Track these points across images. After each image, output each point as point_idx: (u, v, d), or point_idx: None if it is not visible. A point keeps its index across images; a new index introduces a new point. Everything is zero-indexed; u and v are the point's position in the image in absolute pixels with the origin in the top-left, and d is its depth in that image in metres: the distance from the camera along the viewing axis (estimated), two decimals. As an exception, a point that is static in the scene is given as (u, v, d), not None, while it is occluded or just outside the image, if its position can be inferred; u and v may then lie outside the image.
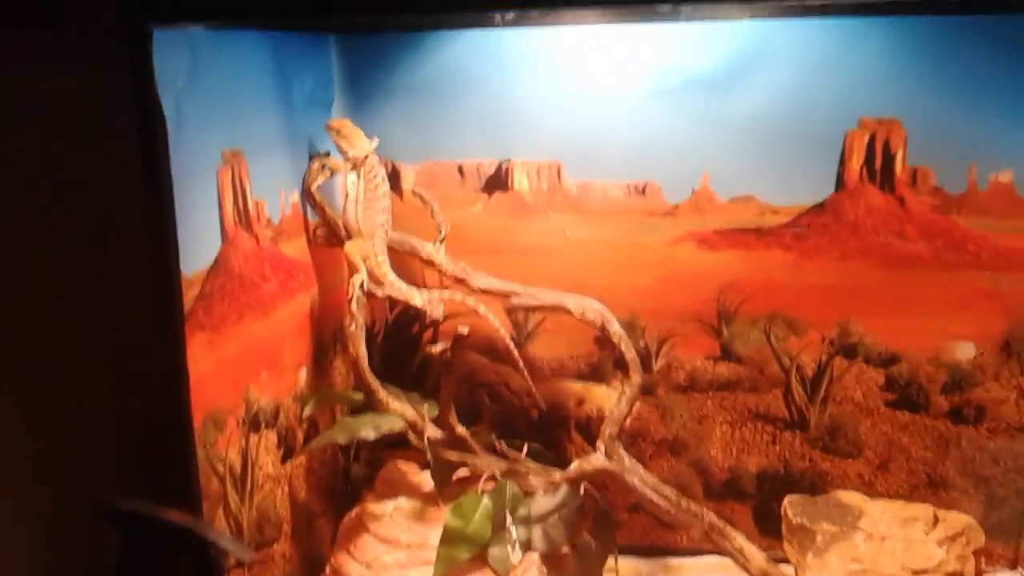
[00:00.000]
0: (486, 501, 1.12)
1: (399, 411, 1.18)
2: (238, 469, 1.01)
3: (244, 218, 1.02)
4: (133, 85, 0.83)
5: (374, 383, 1.17)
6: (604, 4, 0.93)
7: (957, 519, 1.15)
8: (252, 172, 1.03)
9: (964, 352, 1.22)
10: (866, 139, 1.19)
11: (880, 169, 1.19)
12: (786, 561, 1.22)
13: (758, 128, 1.20)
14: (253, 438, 1.05)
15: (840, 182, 1.20)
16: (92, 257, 0.88)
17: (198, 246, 0.92)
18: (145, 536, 0.77)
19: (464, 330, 1.10)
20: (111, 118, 0.85)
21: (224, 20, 0.83)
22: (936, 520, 1.15)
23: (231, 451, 0.99)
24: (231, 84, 0.98)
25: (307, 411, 1.17)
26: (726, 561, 1.21)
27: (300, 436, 1.18)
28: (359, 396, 1.19)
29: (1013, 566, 1.26)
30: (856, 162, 1.19)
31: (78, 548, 0.89)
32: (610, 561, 1.23)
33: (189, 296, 0.90)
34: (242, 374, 1.02)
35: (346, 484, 1.34)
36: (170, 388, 0.88)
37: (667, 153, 1.23)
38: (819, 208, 1.21)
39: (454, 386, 1.16)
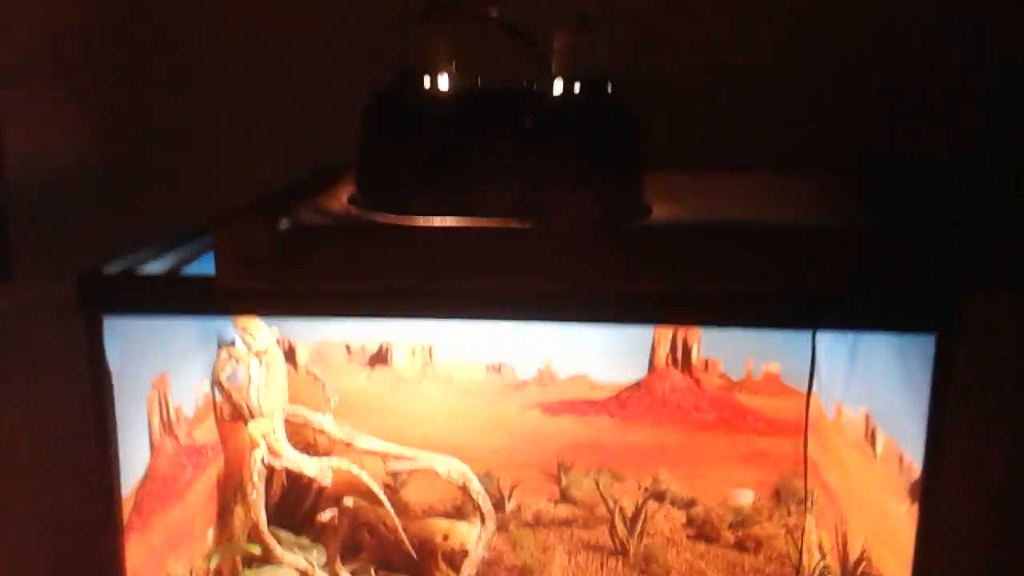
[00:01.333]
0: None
1: (293, 564, 1.41)
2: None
3: (167, 426, 1.23)
4: (87, 352, 1.03)
5: (271, 542, 1.40)
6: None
7: (736, 634, 1.49)
8: (173, 383, 1.25)
9: (745, 498, 1.55)
10: (670, 336, 1.50)
11: (681, 358, 1.51)
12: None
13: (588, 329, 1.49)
14: (174, 602, 1.26)
15: (651, 367, 1.52)
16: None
17: (133, 465, 1.13)
18: None
19: (349, 502, 1.35)
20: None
21: (168, 312, 1.04)
22: (721, 636, 1.48)
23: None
24: (162, 325, 1.20)
25: (213, 564, 1.39)
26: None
27: (212, 594, 1.39)
28: (256, 549, 1.42)
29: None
30: (662, 353, 1.51)
31: None
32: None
33: (127, 509, 1.11)
34: (164, 553, 1.24)
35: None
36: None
37: (518, 342, 1.51)
38: (636, 385, 1.53)
39: (339, 543, 1.41)
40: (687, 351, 1.51)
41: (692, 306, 0.97)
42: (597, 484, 1.57)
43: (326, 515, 1.37)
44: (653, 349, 1.51)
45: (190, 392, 1.32)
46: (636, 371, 1.52)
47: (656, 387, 1.52)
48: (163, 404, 1.22)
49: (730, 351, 1.50)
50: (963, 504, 1.06)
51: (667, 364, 1.52)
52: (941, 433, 0.97)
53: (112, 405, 1.05)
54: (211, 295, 0.97)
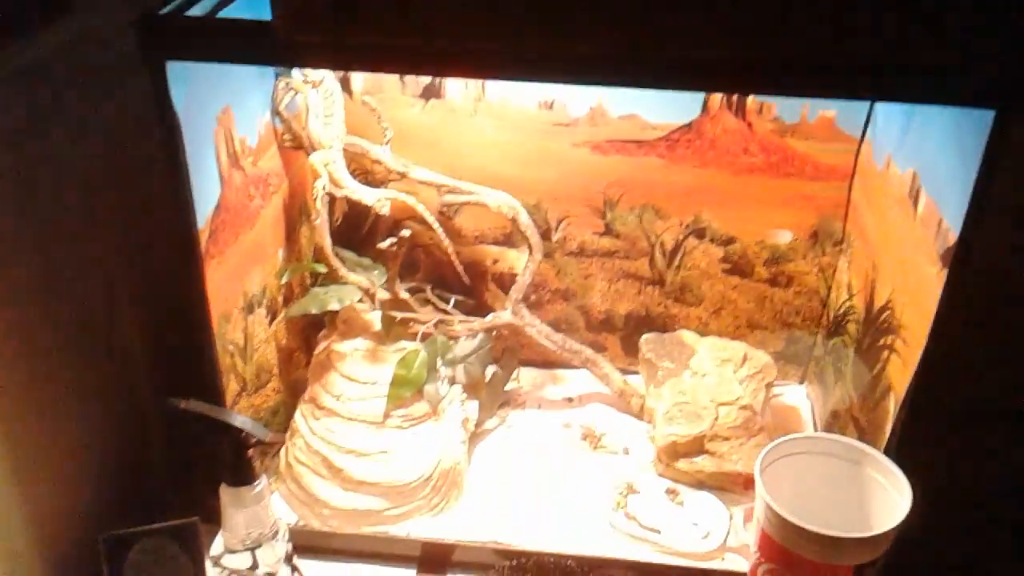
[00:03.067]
0: (423, 353, 1.52)
1: (355, 282, 1.54)
2: (241, 344, 1.38)
3: (234, 159, 1.29)
4: (155, 98, 1.07)
5: (336, 262, 1.51)
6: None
7: (758, 358, 1.62)
8: (236, 116, 1.29)
9: (783, 237, 1.61)
10: (729, 75, 1.48)
11: (736, 100, 1.50)
12: (636, 373, 1.69)
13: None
14: (250, 318, 1.40)
15: (704, 108, 1.51)
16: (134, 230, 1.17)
17: (206, 198, 1.21)
18: (195, 427, 1.13)
19: (406, 233, 1.44)
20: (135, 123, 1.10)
21: (225, 61, 1.06)
22: (744, 359, 1.62)
23: (235, 333, 1.35)
24: (227, 68, 1.21)
25: (283, 279, 1.52)
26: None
27: (280, 301, 1.53)
28: (323, 268, 1.54)
29: (800, 381, 1.76)
30: (718, 93, 1.50)
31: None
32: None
33: (203, 239, 1.21)
34: (241, 276, 1.35)
35: (314, 321, 1.73)
36: (195, 311, 1.21)
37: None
38: (687, 127, 1.53)
39: (397, 263, 1.52)
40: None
41: (748, 72, 0.95)
42: (640, 219, 1.63)
43: (385, 243, 1.47)
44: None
45: (252, 124, 1.36)
46: (688, 112, 1.51)
47: (707, 129, 1.53)
48: (228, 138, 1.27)
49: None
50: (990, 277, 1.10)
51: (721, 106, 1.51)
52: (983, 207, 0.99)
53: (182, 145, 1.10)
54: (269, 44, 0.97)
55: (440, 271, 1.71)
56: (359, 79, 1.54)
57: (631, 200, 1.61)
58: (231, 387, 1.35)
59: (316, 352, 1.60)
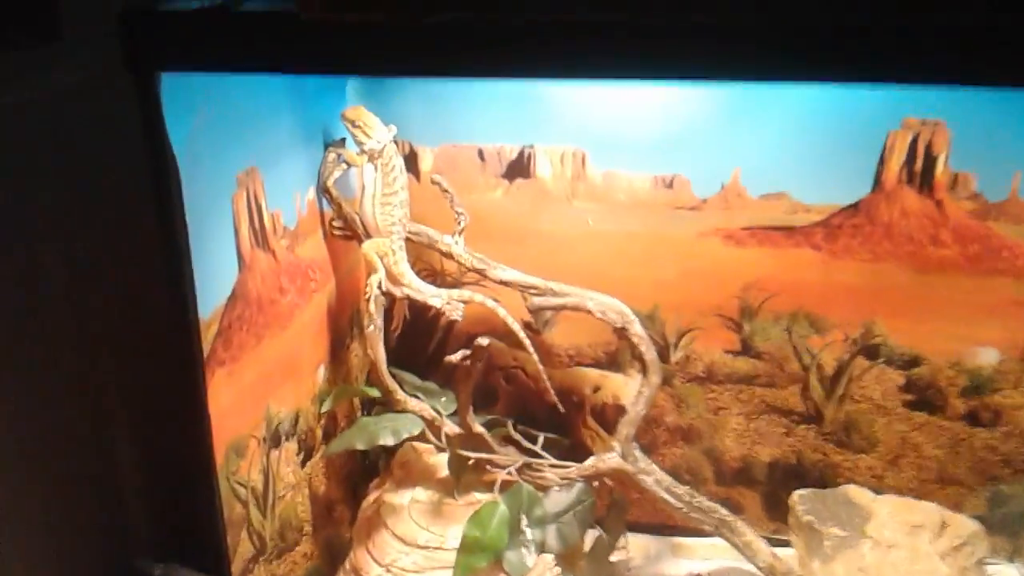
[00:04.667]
0: (503, 508, 1.13)
1: (417, 411, 1.18)
2: (260, 488, 1.02)
3: (261, 237, 0.98)
4: (143, 128, 0.77)
5: (392, 385, 1.16)
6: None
7: (963, 526, 1.18)
8: (267, 183, 0.98)
9: (987, 358, 1.20)
10: (908, 140, 1.13)
11: (920, 172, 1.14)
12: (788, 544, 1.25)
13: (796, 124, 1.14)
14: (274, 453, 1.05)
15: (877, 183, 1.15)
16: (110, 303, 0.84)
17: (215, 283, 0.89)
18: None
19: (484, 342, 1.08)
20: (119, 160, 0.79)
21: (235, 68, 0.75)
22: (943, 526, 1.18)
23: (252, 472, 1.00)
24: (244, 100, 0.92)
25: (325, 407, 1.17)
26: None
27: (319, 434, 1.18)
28: (375, 392, 1.19)
29: (1011, 559, 1.29)
30: (896, 163, 1.14)
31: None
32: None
33: (208, 336, 0.87)
34: (262, 394, 1.01)
35: (364, 461, 1.36)
36: (191, 434, 0.87)
37: (697, 146, 1.17)
38: (853, 208, 1.17)
39: (470, 389, 1.15)
40: (930, 161, 1.13)
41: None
42: (789, 333, 1.25)
43: (457, 356, 1.11)
44: (883, 158, 1.14)
45: (289, 198, 1.06)
46: (855, 188, 1.16)
47: (881, 210, 1.16)
48: (254, 207, 0.96)
49: (989, 161, 1.12)
50: None
51: (900, 179, 1.15)
52: None
53: (178, 192, 0.79)
54: (293, 35, 0.66)
55: (525, 401, 1.34)
56: (428, 156, 1.24)
57: (777, 307, 1.23)
58: (242, 548, 0.97)
59: (363, 505, 1.22)
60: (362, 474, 1.32)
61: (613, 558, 1.29)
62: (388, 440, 1.13)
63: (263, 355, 0.99)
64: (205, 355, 0.86)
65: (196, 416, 0.86)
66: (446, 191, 1.19)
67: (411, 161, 1.23)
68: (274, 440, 1.04)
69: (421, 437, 1.21)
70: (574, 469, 1.22)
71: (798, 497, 1.24)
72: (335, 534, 1.24)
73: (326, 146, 1.14)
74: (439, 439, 1.20)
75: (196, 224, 0.82)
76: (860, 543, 1.16)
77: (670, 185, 1.20)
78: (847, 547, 1.15)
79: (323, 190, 1.13)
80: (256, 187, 0.96)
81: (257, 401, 1.00)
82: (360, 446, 1.13)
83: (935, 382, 1.23)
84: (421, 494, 1.21)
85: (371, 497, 1.24)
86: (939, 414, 1.24)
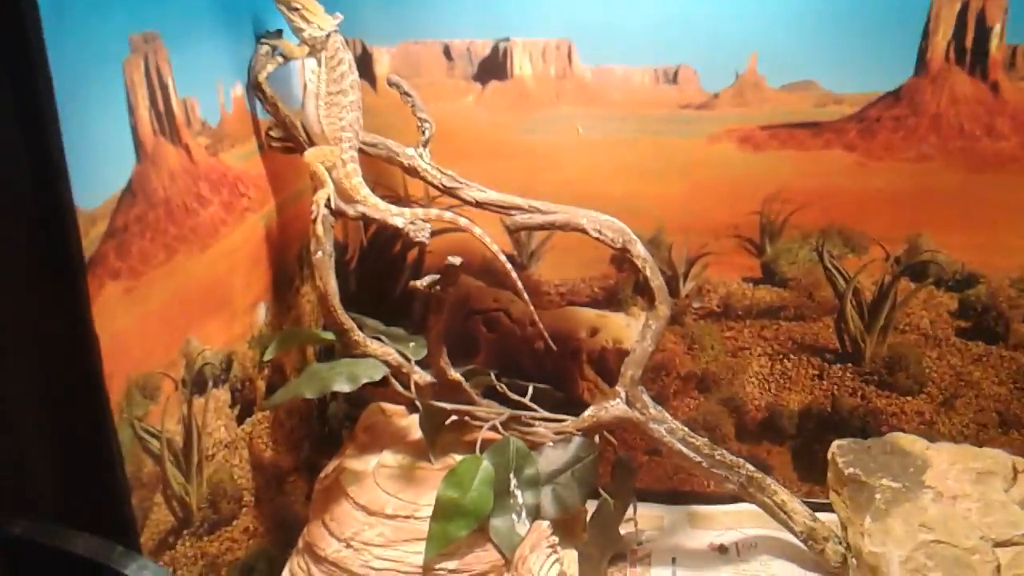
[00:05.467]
0: (486, 464, 0.93)
1: (379, 354, 0.98)
2: (179, 442, 0.82)
3: (168, 124, 0.78)
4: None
5: (347, 321, 0.96)
6: None
7: (1040, 470, 0.99)
8: (175, 61, 0.79)
9: (1056, 272, 1.02)
10: (956, 9, 0.94)
11: (971, 48, 0.95)
12: (827, 508, 1.06)
13: (821, -4, 0.95)
14: (198, 401, 0.85)
15: (921, 64, 0.97)
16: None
17: (101, 168, 0.69)
18: (42, 568, 0.57)
19: (456, 260, 0.88)
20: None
21: None
22: (1016, 473, 0.98)
23: (168, 422, 0.80)
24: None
25: (268, 355, 0.97)
26: (759, 510, 1.05)
27: (261, 387, 0.98)
28: (328, 336, 0.99)
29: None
30: (942, 38, 0.96)
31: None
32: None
33: (92, 235, 0.68)
34: (178, 324, 0.81)
35: (322, 428, 1.16)
36: (74, 358, 0.66)
37: (705, 29, 0.98)
38: (893, 96, 0.99)
39: (444, 323, 0.95)
40: (983, 34, 0.95)
41: None
42: (820, 254, 1.06)
43: (424, 281, 0.91)
44: (927, 33, 0.95)
45: (209, 87, 0.87)
46: (895, 72, 0.98)
47: (926, 98, 0.98)
48: (156, 84, 0.76)
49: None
50: None
51: (947, 58, 0.96)
52: None
53: (36, 33, 0.59)
54: None
55: (510, 350, 1.15)
56: (384, 57, 1.05)
57: (804, 222, 1.05)
58: (157, 515, 0.77)
59: (321, 475, 1.02)
60: (320, 441, 1.13)
61: (621, 529, 1.09)
62: (343, 386, 0.93)
63: (176, 275, 0.80)
64: (88, 255, 0.66)
65: (77, 333, 0.66)
66: (406, 95, 1.00)
67: (364, 65, 1.04)
68: (197, 385, 0.84)
69: (383, 396, 1.01)
70: (571, 422, 1.03)
71: (837, 448, 1.05)
72: (286, 508, 1.03)
73: (257, 39, 0.95)
74: (408, 391, 0.99)
75: (66, 81, 0.63)
76: (920, 494, 0.96)
77: (674, 79, 1.01)
78: (904, 500, 0.96)
79: (254, 87, 0.94)
80: (159, 60, 0.76)
81: (171, 332, 0.80)
82: (309, 394, 0.93)
83: (995, 304, 1.04)
84: (389, 458, 1.01)
85: (331, 465, 1.04)
86: (1000, 343, 1.05)
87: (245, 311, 0.94)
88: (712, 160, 1.04)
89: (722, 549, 1.09)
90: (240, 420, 0.93)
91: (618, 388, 1.02)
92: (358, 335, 0.97)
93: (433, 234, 0.94)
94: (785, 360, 1.11)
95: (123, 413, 0.72)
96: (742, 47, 0.99)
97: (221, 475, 0.89)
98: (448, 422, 1.02)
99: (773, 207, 1.05)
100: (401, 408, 1.10)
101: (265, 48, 0.95)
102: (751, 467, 1.03)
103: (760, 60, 0.99)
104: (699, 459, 1.01)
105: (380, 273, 1.14)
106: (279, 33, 0.96)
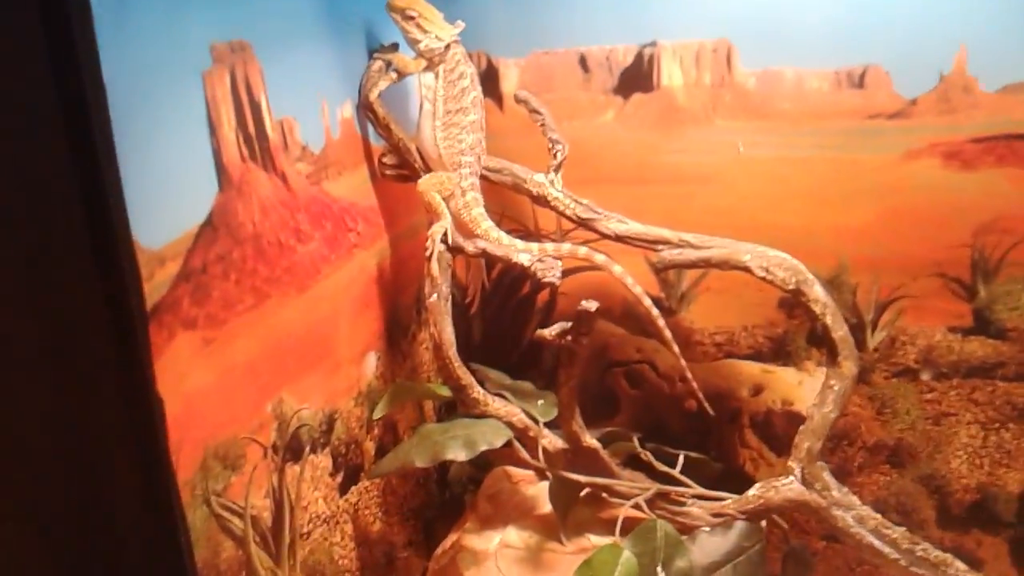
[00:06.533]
0: (627, 554, 0.77)
1: (502, 415, 0.83)
2: (267, 519, 0.69)
3: (259, 148, 0.67)
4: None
5: (464, 376, 0.82)
6: None
7: None
8: (269, 76, 0.68)
9: None
10: None
11: None
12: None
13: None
14: (292, 470, 0.73)
15: None
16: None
17: (173, 199, 0.59)
18: None
19: (591, 306, 0.73)
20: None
21: None
22: None
23: (254, 496, 0.68)
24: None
25: (378, 412, 0.85)
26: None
27: (370, 450, 0.85)
28: (445, 391, 0.85)
29: None
30: None
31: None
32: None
33: (160, 278, 0.57)
34: (269, 380, 0.70)
35: (442, 494, 1.02)
36: (131, 425, 0.55)
37: (900, 21, 0.80)
38: None
39: (577, 379, 0.80)
40: None
41: None
42: (1051, 298, 0.84)
43: (553, 329, 0.77)
44: None
45: (312, 107, 0.76)
46: None
47: None
48: (245, 102, 0.65)
49: None
50: None
51: None
52: None
53: (88, 34, 0.49)
54: None
55: (656, 409, 0.98)
56: (512, 71, 0.92)
57: (1030, 259, 0.83)
58: (236, 612, 0.65)
59: (437, 553, 0.88)
60: (439, 509, 0.99)
61: (793, 634, 0.89)
62: (459, 454, 0.79)
63: (267, 322, 0.68)
64: (152, 301, 0.55)
65: (135, 396, 0.54)
66: (536, 112, 0.86)
67: (489, 79, 0.92)
68: (291, 450, 0.73)
69: (510, 457, 0.86)
70: (731, 502, 0.85)
71: (1078, 546, 0.82)
72: (397, 592, 0.90)
73: (370, 55, 0.84)
74: (535, 457, 0.85)
75: (125, 94, 0.52)
76: None
77: (859, 83, 0.83)
78: None
79: (365, 106, 0.82)
80: (249, 73, 0.66)
81: (260, 390, 0.69)
82: (420, 462, 0.79)
83: None
84: (514, 536, 0.86)
85: (449, 540, 0.90)
86: None
87: (351, 362, 0.82)
88: (909, 182, 0.84)
89: (924, 666, 0.87)
90: (343, 490, 0.81)
91: (791, 464, 0.83)
92: (478, 392, 0.83)
93: (565, 273, 0.80)
94: (1003, 430, 0.89)
95: (196, 489, 0.61)
96: (947, 42, 0.80)
97: (319, 555, 0.77)
98: (583, 494, 0.87)
99: (988, 239, 0.84)
100: (530, 474, 0.95)
101: (378, 64, 0.84)
102: (962, 565, 0.82)
103: (970, 57, 0.79)
104: (896, 556, 0.81)
105: (506, 320, 1.01)
106: (394, 47, 0.85)
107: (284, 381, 0.71)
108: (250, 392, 0.67)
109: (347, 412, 0.81)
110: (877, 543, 0.81)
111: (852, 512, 0.82)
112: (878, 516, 0.82)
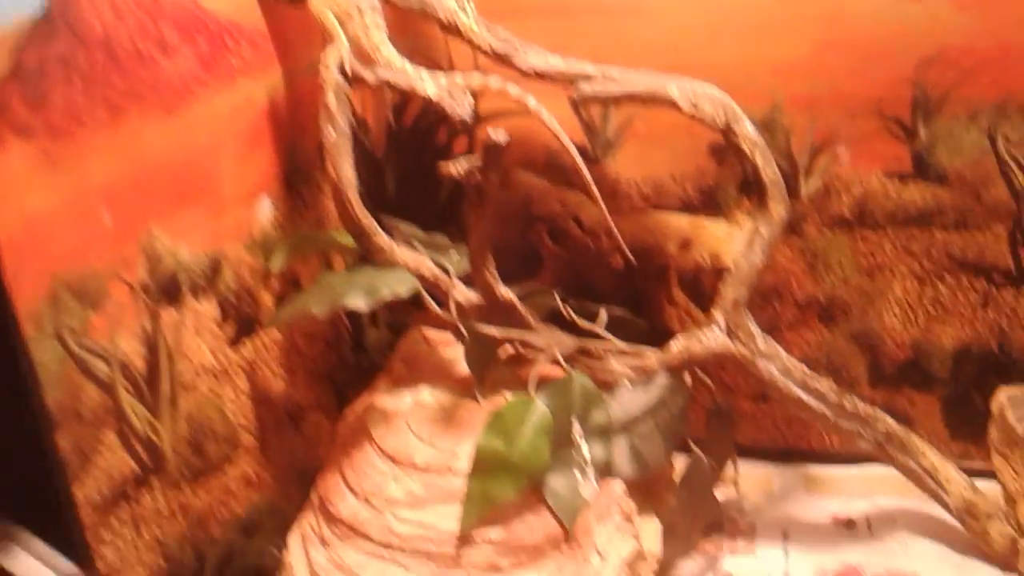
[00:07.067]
0: (540, 406, 0.72)
1: (410, 265, 0.77)
2: (140, 366, 0.63)
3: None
4: None
5: (366, 219, 0.75)
6: None
7: None
8: None
9: None
10: None
11: None
12: (987, 474, 0.81)
13: None
14: (169, 315, 0.66)
15: None
16: None
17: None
18: None
19: (499, 136, 0.66)
20: None
21: None
22: None
23: (124, 339, 0.61)
24: None
25: (275, 264, 0.78)
26: (898, 474, 0.81)
27: (268, 303, 0.79)
28: (347, 239, 0.78)
29: None
30: None
31: None
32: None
33: (-18, 71, 0.49)
34: (134, 213, 0.62)
35: (358, 360, 0.97)
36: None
37: None
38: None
39: (490, 224, 0.74)
40: None
41: None
42: (993, 137, 0.80)
43: (459, 164, 0.70)
44: None
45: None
46: None
47: None
48: None
49: None
50: None
51: None
52: None
53: None
54: None
55: (580, 269, 0.93)
56: None
57: (973, 95, 0.79)
58: (107, 462, 0.59)
59: (347, 414, 0.83)
60: (355, 376, 0.93)
61: (717, 494, 0.86)
62: (359, 303, 0.73)
63: (130, 144, 0.60)
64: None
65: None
66: (447, -71, 0.77)
67: None
68: (166, 292, 0.66)
69: (420, 316, 0.81)
70: (654, 356, 0.80)
71: (1007, 398, 0.80)
72: (302, 453, 0.85)
73: None
74: (447, 310, 0.79)
75: None
76: None
77: None
78: (1111, 469, 0.70)
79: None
80: None
81: (123, 222, 0.61)
82: (317, 310, 0.73)
83: None
84: (427, 395, 0.81)
85: (360, 402, 0.85)
86: None
87: (239, 204, 0.75)
88: (850, 9, 0.78)
89: (849, 524, 0.85)
90: (236, 343, 0.75)
91: (716, 313, 0.78)
92: (382, 239, 0.77)
93: (483, 117, 0.73)
94: (939, 283, 0.85)
95: (43, 323, 0.54)
96: None
97: (207, 410, 0.71)
98: (505, 355, 0.82)
99: (931, 74, 0.79)
100: (449, 336, 0.90)
101: None
102: (891, 421, 0.79)
103: None
104: (823, 409, 0.78)
105: (421, 171, 0.93)
106: None
107: (154, 215, 0.64)
108: (107, 220, 0.60)
109: (236, 259, 0.74)
110: (803, 395, 0.78)
111: (777, 364, 0.78)
112: (804, 368, 0.78)
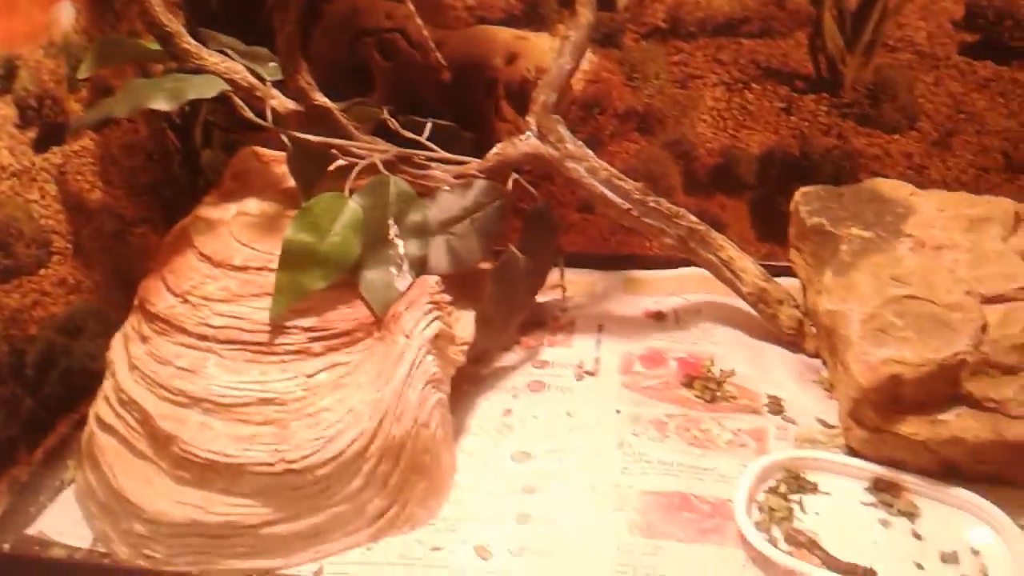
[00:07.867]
0: (352, 204, 0.75)
1: (222, 70, 0.77)
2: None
3: None
4: None
5: (170, 23, 0.75)
6: None
7: (1047, 217, 0.80)
8: None
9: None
10: None
11: None
12: (790, 273, 0.88)
13: None
14: (-46, 110, 0.65)
15: None
16: None
17: None
18: None
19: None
20: None
21: None
22: (1018, 220, 0.80)
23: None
24: None
25: (83, 71, 0.76)
26: (708, 274, 0.87)
27: (77, 111, 0.78)
28: (154, 45, 0.77)
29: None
30: None
31: None
32: (555, 274, 0.90)
33: None
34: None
35: (194, 179, 0.97)
36: None
37: None
38: None
39: (294, 25, 0.74)
40: None
41: None
42: (793, -55, 0.83)
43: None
44: None
45: None
46: None
47: None
48: None
49: None
50: None
51: None
52: None
53: None
54: None
55: (411, 81, 0.94)
56: None
57: (776, -100, 0.80)
58: None
59: (175, 226, 0.84)
60: (188, 195, 0.94)
61: (542, 297, 0.92)
62: (163, 104, 0.73)
63: None
64: None
65: None
66: None
67: None
68: (-49, 88, 0.64)
69: (254, 136, 0.81)
70: (473, 163, 0.83)
71: (802, 195, 0.87)
72: (129, 263, 0.86)
73: None
74: (262, 116, 0.79)
75: None
76: (895, 244, 0.78)
77: None
78: (875, 250, 0.78)
79: None
80: None
81: None
82: (120, 112, 0.73)
83: (1014, 9, 0.81)
84: (252, 206, 0.83)
85: (189, 216, 0.86)
86: (1014, 63, 0.83)
87: (34, 5, 0.72)
88: None
89: (659, 316, 0.92)
90: (40, 148, 0.74)
91: (529, 118, 0.81)
92: (189, 42, 0.76)
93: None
94: (746, 91, 0.90)
95: None
96: None
97: (10, 209, 0.71)
98: (333, 168, 0.83)
99: None
100: (280, 154, 0.91)
101: None
102: (693, 218, 0.85)
103: None
104: (628, 206, 0.83)
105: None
106: None
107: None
108: None
109: (35, 62, 0.72)
110: (609, 194, 0.82)
111: (584, 164, 0.82)
112: (610, 168, 0.82)
